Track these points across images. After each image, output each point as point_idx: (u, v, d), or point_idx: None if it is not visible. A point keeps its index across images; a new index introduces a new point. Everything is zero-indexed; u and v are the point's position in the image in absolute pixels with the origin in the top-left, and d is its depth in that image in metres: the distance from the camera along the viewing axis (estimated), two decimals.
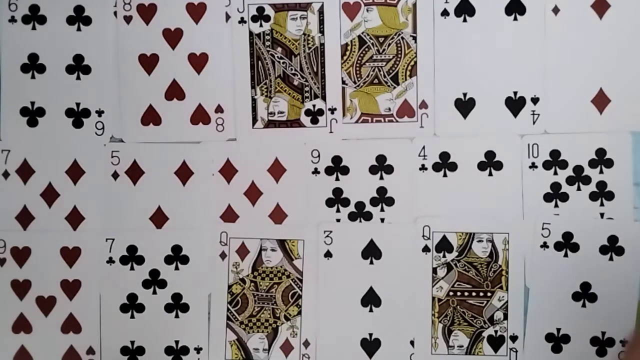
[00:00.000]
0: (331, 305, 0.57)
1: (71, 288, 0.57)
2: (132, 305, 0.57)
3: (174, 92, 0.56)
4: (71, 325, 0.57)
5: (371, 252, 0.56)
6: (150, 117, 0.56)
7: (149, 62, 0.56)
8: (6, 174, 0.57)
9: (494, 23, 0.55)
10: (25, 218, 0.57)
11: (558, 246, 0.55)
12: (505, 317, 0.56)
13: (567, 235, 0.55)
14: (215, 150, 0.57)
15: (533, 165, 0.56)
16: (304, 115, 0.56)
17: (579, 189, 0.56)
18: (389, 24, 0.56)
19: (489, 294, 0.56)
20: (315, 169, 0.56)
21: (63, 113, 0.57)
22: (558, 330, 0.56)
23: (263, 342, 0.57)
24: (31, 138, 0.57)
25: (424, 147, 0.56)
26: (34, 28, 0.56)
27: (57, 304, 0.57)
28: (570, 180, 0.56)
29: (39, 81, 0.57)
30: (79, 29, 0.57)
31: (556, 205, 0.56)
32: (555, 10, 0.55)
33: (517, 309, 0.56)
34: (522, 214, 0.56)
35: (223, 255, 0.57)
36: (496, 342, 0.56)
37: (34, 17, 0.56)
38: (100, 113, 0.57)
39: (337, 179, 0.56)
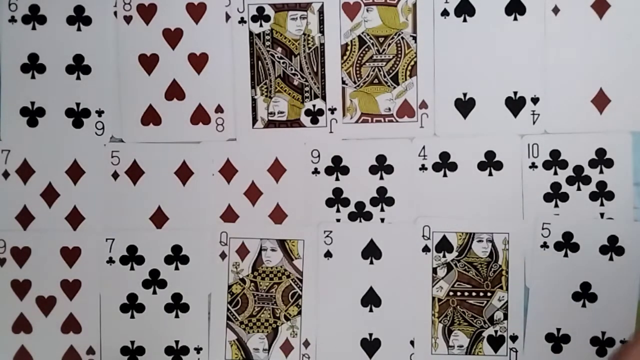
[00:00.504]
0: (331, 305, 0.57)
1: (71, 288, 0.57)
2: (132, 305, 0.57)
3: (174, 92, 0.56)
4: (71, 325, 0.57)
5: (371, 252, 0.56)
6: (150, 117, 0.56)
7: (149, 62, 0.56)
8: (6, 174, 0.57)
9: (494, 23, 0.55)
10: (25, 218, 0.57)
11: (558, 246, 0.55)
12: (505, 317, 0.56)
13: (567, 235, 0.55)
14: (215, 150, 0.57)
15: (533, 165, 0.56)
16: (304, 115, 0.56)
17: (579, 189, 0.56)
18: (389, 24, 0.56)
19: (489, 294, 0.56)
20: (315, 169, 0.56)
21: (63, 113, 0.57)
22: (558, 330, 0.56)
23: (263, 342, 0.57)
24: (31, 138, 0.57)
25: (424, 147, 0.56)
26: (34, 28, 0.56)
27: (57, 304, 0.57)
28: (570, 180, 0.56)
29: (39, 81, 0.57)
30: (79, 29, 0.56)
31: (556, 205, 0.56)
32: (555, 10, 0.55)
33: (517, 309, 0.56)
34: (522, 214, 0.56)
35: (223, 255, 0.57)
36: (496, 342, 0.56)
37: (34, 17, 0.56)
38: (100, 113, 0.57)
39: (337, 179, 0.56)
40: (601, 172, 0.55)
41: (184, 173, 0.57)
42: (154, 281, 0.57)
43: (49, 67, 0.57)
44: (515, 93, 0.55)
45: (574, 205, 0.55)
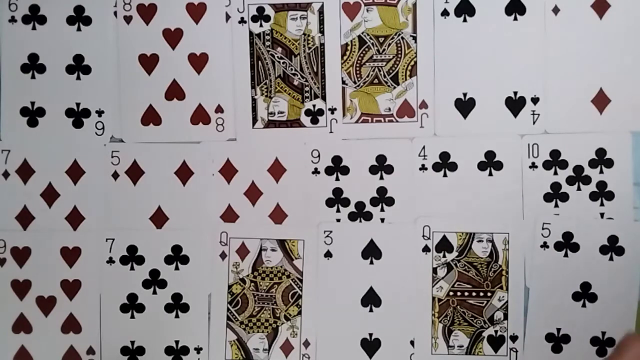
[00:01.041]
0: (331, 305, 0.57)
1: (71, 288, 0.57)
2: (132, 305, 0.57)
3: (174, 92, 0.56)
4: (71, 325, 0.57)
5: (371, 252, 0.56)
6: (150, 117, 0.56)
7: (149, 62, 0.56)
8: (6, 174, 0.57)
9: (494, 23, 0.55)
10: (25, 218, 0.57)
11: (558, 246, 0.55)
12: (505, 317, 0.56)
13: (567, 235, 0.55)
14: (215, 150, 0.57)
15: (533, 165, 0.56)
16: (304, 115, 0.56)
17: (579, 189, 0.56)
18: (389, 24, 0.56)
19: (489, 294, 0.56)
20: (315, 169, 0.56)
21: (63, 113, 0.57)
22: (558, 330, 0.56)
23: (263, 342, 0.57)
24: (31, 138, 0.57)
25: (424, 147, 0.56)
26: (34, 28, 0.56)
27: (57, 304, 0.57)
28: (570, 180, 0.56)
29: (39, 81, 0.57)
30: (79, 29, 0.57)
31: (556, 205, 0.56)
32: (555, 10, 0.55)
33: (517, 309, 0.56)
34: (522, 214, 0.56)
35: (223, 255, 0.57)
36: (496, 342, 0.56)
37: (34, 17, 0.56)
38: (100, 113, 0.57)
39: (337, 179, 0.56)
40: (601, 172, 0.55)
41: (184, 173, 0.57)
42: (154, 281, 0.57)
43: (49, 67, 0.57)
44: (515, 93, 0.55)
45: (574, 205, 0.55)
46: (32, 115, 0.57)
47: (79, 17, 0.56)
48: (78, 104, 0.57)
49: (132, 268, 0.57)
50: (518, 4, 0.55)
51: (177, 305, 0.57)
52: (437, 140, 0.56)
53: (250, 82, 0.56)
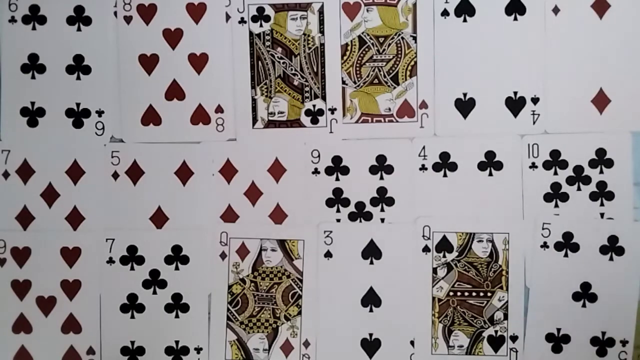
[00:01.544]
0: (331, 306, 0.57)
1: (71, 288, 0.57)
2: (132, 305, 0.57)
3: (174, 92, 0.56)
4: (71, 325, 0.57)
5: (371, 252, 0.56)
6: (150, 117, 0.56)
7: (149, 62, 0.56)
8: (6, 174, 0.57)
9: (494, 23, 0.55)
10: (25, 218, 0.57)
11: (558, 246, 0.55)
12: (505, 317, 0.56)
13: (567, 235, 0.55)
14: (215, 150, 0.57)
15: (533, 165, 0.56)
16: (304, 115, 0.56)
17: (579, 189, 0.56)
18: (389, 24, 0.56)
19: (489, 294, 0.56)
20: (315, 169, 0.56)
21: (63, 113, 0.57)
22: (558, 330, 0.56)
23: (263, 342, 0.57)
24: (31, 138, 0.57)
25: (424, 147, 0.56)
26: (34, 28, 0.56)
27: (57, 304, 0.57)
28: (570, 180, 0.56)
29: (39, 81, 0.57)
30: (79, 29, 0.57)
31: (556, 205, 0.56)
32: (555, 10, 0.55)
33: (517, 309, 0.56)
34: (522, 214, 0.56)
35: (223, 255, 0.57)
36: (496, 342, 0.56)
37: (34, 17, 0.56)
38: (100, 113, 0.57)
39: (337, 179, 0.56)
40: (601, 172, 0.55)
41: (184, 173, 0.57)
42: (154, 281, 0.57)
43: (49, 67, 0.57)
44: (515, 93, 0.55)
45: (574, 205, 0.55)
46: (32, 115, 0.57)
47: (79, 17, 0.56)
48: (78, 104, 0.57)
49: (132, 268, 0.57)
50: (518, 4, 0.55)
51: (177, 305, 0.57)
52: (437, 140, 0.56)
53: (250, 82, 0.56)
